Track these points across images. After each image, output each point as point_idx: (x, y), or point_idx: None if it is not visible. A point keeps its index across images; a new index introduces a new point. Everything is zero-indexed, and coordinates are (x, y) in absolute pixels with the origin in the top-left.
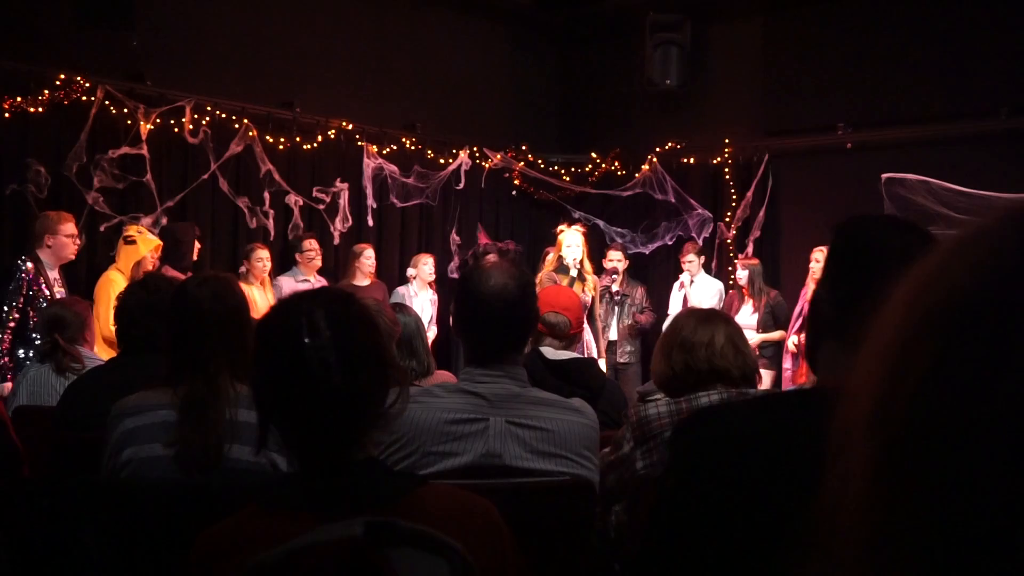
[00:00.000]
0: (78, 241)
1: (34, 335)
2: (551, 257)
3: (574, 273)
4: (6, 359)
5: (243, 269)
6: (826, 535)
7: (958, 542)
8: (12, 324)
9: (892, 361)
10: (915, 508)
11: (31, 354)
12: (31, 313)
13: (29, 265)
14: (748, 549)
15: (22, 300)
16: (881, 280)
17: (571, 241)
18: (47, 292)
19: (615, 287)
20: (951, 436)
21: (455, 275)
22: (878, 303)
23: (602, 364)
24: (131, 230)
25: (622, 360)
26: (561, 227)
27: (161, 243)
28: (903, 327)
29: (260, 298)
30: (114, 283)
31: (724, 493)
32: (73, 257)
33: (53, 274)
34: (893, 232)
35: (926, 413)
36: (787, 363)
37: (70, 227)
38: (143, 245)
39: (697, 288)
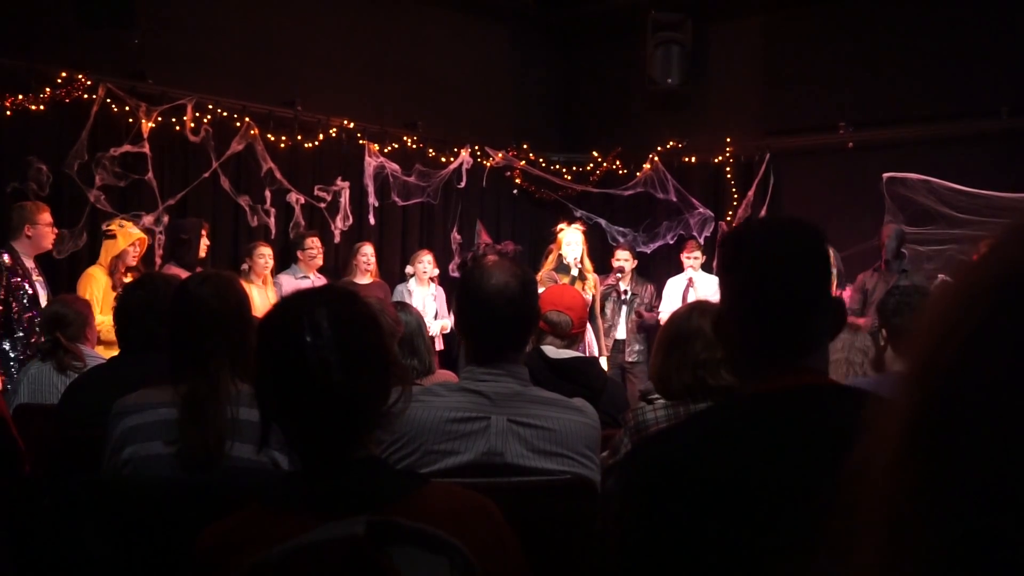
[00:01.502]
0: (55, 230)
1: (17, 329)
2: (552, 256)
3: (575, 272)
4: None
5: (245, 266)
6: (848, 508)
7: (991, 496)
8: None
9: (944, 321)
10: (950, 459)
11: (15, 348)
12: (13, 306)
13: (6, 258)
14: (710, 563)
15: (3, 292)
16: (772, 290)
17: (571, 239)
18: (26, 284)
19: (623, 285)
20: (990, 392)
21: (456, 274)
22: (774, 311)
23: (603, 363)
24: (112, 224)
25: (630, 359)
26: (561, 225)
27: (144, 236)
28: (958, 293)
29: (259, 296)
30: (94, 279)
31: (676, 515)
32: (51, 247)
33: (29, 263)
34: (776, 237)
35: (968, 369)
36: None
37: (47, 216)
38: (123, 239)
39: (699, 285)
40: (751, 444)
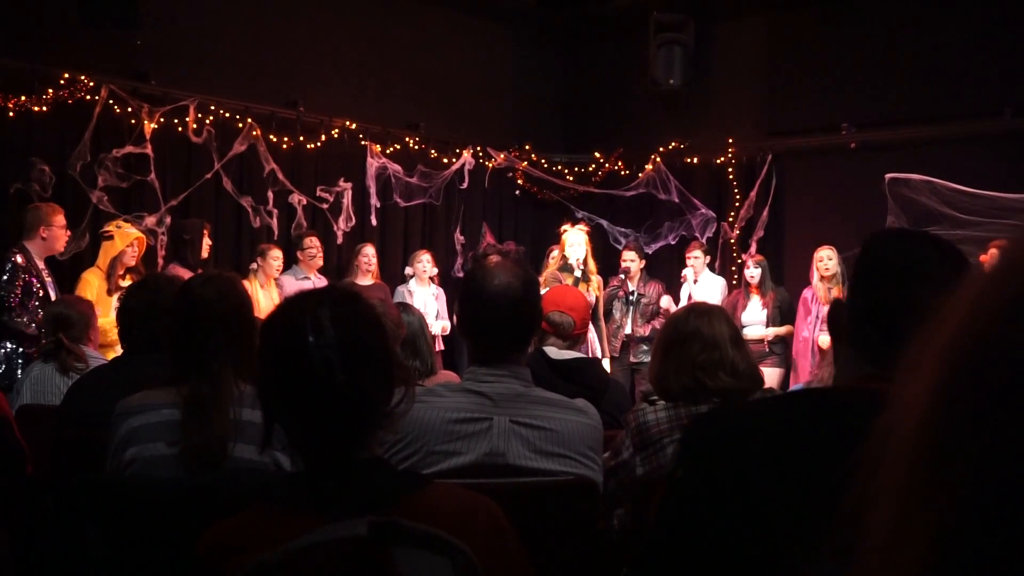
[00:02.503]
0: (68, 232)
1: (31, 324)
2: (555, 256)
3: (578, 273)
4: (27, 346)
5: (254, 266)
6: (863, 495)
7: (1011, 463)
8: (19, 312)
9: (980, 294)
10: (973, 431)
11: (20, 347)
12: (29, 306)
13: (19, 259)
14: (757, 543)
15: (19, 291)
16: (895, 295)
17: (574, 240)
18: (38, 283)
19: (630, 286)
20: (1015, 365)
21: (460, 275)
22: (892, 317)
23: (605, 364)
24: (110, 226)
25: (635, 359)
26: (564, 227)
27: (142, 236)
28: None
29: (265, 298)
30: (88, 284)
31: (733, 487)
32: (63, 248)
33: (40, 264)
34: (915, 248)
35: (1002, 339)
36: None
37: (62, 219)
38: (120, 239)
39: (702, 285)
40: (815, 434)
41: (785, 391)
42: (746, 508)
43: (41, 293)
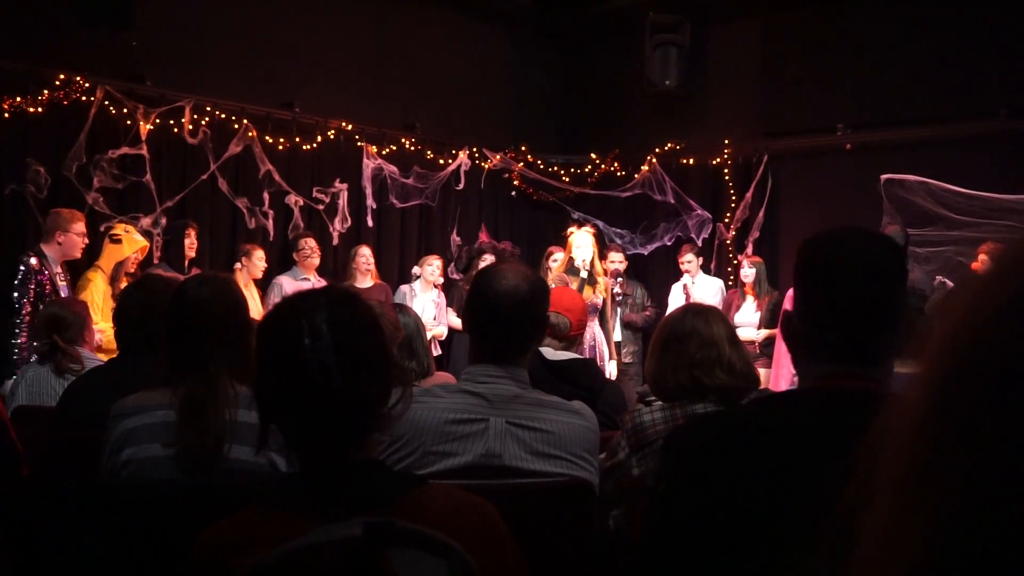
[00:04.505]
0: (86, 240)
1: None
2: (562, 258)
3: (584, 275)
4: (24, 353)
5: (238, 266)
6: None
7: (1009, 457)
8: (28, 319)
9: (976, 295)
10: (970, 430)
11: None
12: (40, 308)
13: (33, 261)
14: (741, 551)
15: (32, 294)
16: (841, 294)
17: (580, 242)
18: (51, 287)
19: (617, 288)
20: (1013, 363)
21: (455, 275)
22: (845, 315)
23: (612, 366)
24: (118, 228)
25: (625, 360)
26: (571, 228)
27: (147, 244)
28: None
29: (248, 300)
30: (93, 283)
31: (715, 498)
32: (80, 255)
33: (56, 268)
34: (856, 247)
35: (995, 339)
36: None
37: (80, 226)
38: (128, 245)
39: (699, 288)
40: (796, 436)
41: (758, 396)
42: (734, 515)
43: (54, 297)
